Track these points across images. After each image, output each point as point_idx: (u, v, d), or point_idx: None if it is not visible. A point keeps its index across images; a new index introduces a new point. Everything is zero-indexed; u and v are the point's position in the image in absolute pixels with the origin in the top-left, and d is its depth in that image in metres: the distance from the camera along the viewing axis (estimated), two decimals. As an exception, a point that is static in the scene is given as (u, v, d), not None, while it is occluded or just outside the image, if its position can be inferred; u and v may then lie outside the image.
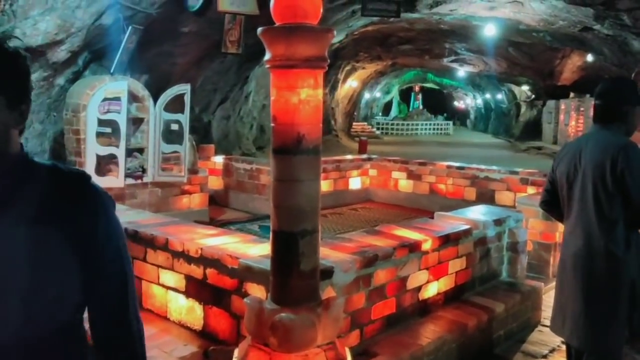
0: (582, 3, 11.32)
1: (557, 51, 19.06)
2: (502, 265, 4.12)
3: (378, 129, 35.15)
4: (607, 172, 2.42)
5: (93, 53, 6.33)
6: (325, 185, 7.94)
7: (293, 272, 2.38)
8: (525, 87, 26.38)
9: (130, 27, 5.77)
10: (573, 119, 20.48)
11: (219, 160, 7.93)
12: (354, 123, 29.92)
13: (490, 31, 15.02)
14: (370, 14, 9.48)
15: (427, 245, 3.36)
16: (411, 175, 8.06)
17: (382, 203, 8.30)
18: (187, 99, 6.15)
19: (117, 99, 5.52)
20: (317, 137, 2.41)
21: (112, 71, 6.07)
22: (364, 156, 8.75)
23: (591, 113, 2.66)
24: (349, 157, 8.67)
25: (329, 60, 2.43)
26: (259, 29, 2.33)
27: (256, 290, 2.71)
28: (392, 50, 23.29)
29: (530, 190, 6.68)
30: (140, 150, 5.95)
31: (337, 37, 17.24)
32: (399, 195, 8.20)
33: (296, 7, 2.28)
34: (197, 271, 3.03)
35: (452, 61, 23.81)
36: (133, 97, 5.89)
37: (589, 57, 16.89)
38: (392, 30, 19.39)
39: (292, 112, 2.34)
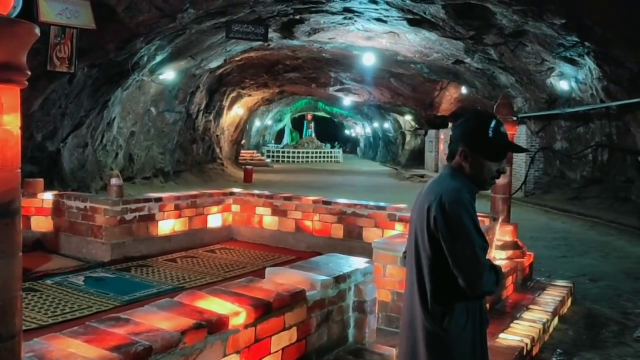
0: (452, 36, 11.48)
1: (436, 83, 19.67)
2: (348, 329, 3.43)
3: (269, 156, 34.64)
4: (424, 225, 1.90)
5: None
6: (178, 225, 6.99)
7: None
8: (408, 117, 27.17)
9: None
10: (452, 148, 21.13)
11: (47, 197, 6.64)
12: (242, 151, 29.09)
13: (369, 60, 14.99)
14: (235, 36, 8.80)
15: (238, 321, 2.57)
16: (276, 211, 7.33)
17: (246, 242, 7.48)
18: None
19: None
20: (6, 190, 1.53)
21: None
22: (226, 190, 7.90)
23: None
24: (208, 191, 7.77)
25: (27, 72, 1.57)
26: None
27: None
28: (279, 78, 22.94)
29: (398, 227, 6.21)
30: None
31: (216, 62, 16.46)
32: (264, 233, 7.44)
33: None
34: None
35: (338, 90, 23.90)
36: None
37: (464, 90, 17.50)
38: (278, 58, 19.00)
39: (-45, 151, 1.45)
